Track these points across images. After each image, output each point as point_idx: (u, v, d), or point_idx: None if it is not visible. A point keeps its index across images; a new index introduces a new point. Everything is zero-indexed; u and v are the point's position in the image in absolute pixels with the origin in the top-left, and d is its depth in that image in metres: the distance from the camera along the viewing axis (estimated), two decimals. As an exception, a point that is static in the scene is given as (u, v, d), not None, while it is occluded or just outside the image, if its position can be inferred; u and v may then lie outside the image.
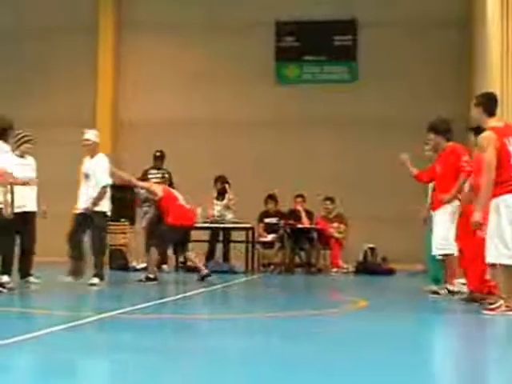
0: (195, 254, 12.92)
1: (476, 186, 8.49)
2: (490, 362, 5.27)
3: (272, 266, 16.17)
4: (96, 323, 6.85)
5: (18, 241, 10.80)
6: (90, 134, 11.67)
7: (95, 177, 11.26)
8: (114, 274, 14.82)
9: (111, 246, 17.51)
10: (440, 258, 9.80)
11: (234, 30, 20.36)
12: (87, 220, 11.13)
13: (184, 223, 12.27)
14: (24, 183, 10.23)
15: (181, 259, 15.12)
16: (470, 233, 8.91)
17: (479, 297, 8.79)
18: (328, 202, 17.01)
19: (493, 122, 7.99)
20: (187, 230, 12.51)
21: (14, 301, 9.19)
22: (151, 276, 12.07)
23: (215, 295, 10.93)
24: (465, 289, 9.42)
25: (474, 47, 18.68)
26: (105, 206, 11.30)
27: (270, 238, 16.45)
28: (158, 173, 15.56)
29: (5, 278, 9.91)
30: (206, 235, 16.33)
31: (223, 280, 12.85)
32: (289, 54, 20.52)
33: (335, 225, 16.75)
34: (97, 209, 11.14)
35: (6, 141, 9.85)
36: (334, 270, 16.17)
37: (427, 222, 10.52)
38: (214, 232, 16.27)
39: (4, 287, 9.53)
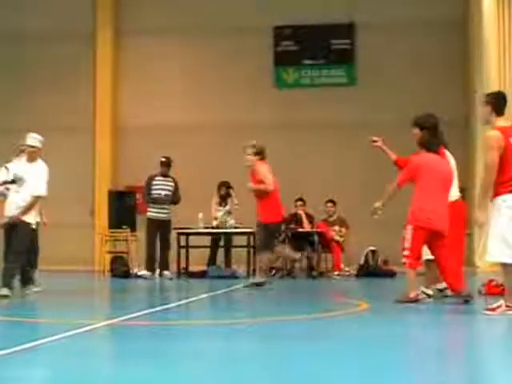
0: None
1: None
2: (490, 362, 5.31)
3: (273, 271, 16.20)
4: (102, 330, 6.89)
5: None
6: (36, 141, 10.37)
7: (31, 183, 10.19)
8: (117, 281, 14.87)
9: (112, 252, 17.59)
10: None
11: (232, 34, 20.40)
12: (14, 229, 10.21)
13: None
14: None
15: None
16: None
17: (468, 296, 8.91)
18: (330, 205, 17.03)
19: (501, 122, 8.00)
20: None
21: (13, 309, 9.21)
22: (260, 281, 12.03)
23: (218, 300, 10.96)
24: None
25: (471, 49, 18.73)
26: (31, 217, 10.34)
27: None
28: (164, 180, 15.59)
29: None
30: (207, 241, 16.36)
31: (224, 285, 12.87)
32: (287, 59, 20.58)
33: (336, 228, 16.77)
34: (24, 218, 10.20)
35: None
36: (336, 273, 16.18)
37: None
38: (216, 237, 16.30)
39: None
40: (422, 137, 9.40)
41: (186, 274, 15.28)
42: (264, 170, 12.36)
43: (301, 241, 16.16)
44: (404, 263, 9.07)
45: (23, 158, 10.52)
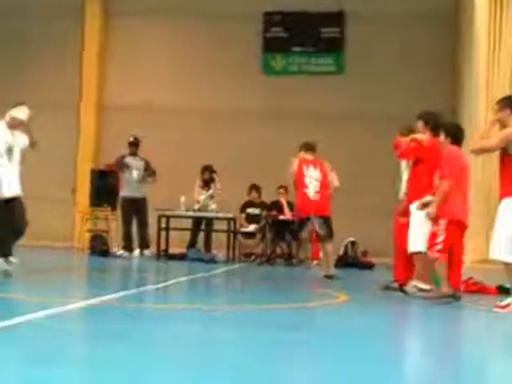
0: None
1: None
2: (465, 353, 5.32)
3: (253, 257, 16.21)
4: (78, 311, 6.86)
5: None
6: (26, 115, 9.93)
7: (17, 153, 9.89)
8: (96, 260, 14.82)
9: (92, 231, 17.54)
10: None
11: (222, 19, 20.30)
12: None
13: None
14: None
15: None
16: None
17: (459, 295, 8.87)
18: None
19: None
20: None
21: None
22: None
23: (195, 285, 10.94)
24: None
25: (461, 41, 18.71)
26: None
27: (251, 228, 16.49)
28: (134, 160, 15.70)
29: None
30: (188, 224, 16.34)
31: (203, 269, 12.86)
32: (276, 45, 20.51)
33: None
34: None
35: None
36: (315, 262, 16.19)
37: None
38: (197, 221, 16.28)
39: None
40: (449, 129, 9.22)
41: (165, 255, 15.26)
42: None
43: (281, 228, 16.15)
44: (437, 258, 8.76)
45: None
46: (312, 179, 12.26)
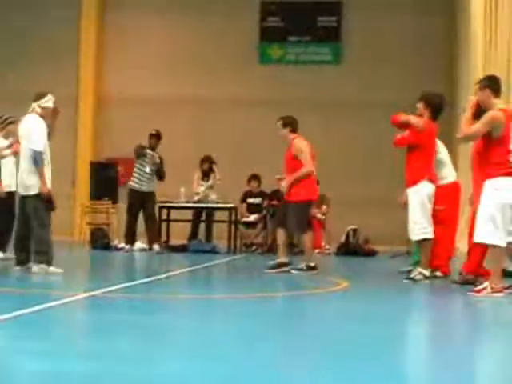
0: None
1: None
2: (465, 344, 5.32)
3: (254, 246, 16.21)
4: (81, 302, 6.86)
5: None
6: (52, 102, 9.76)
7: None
8: (97, 253, 14.82)
9: (93, 224, 17.53)
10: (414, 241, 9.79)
11: (219, 9, 20.31)
12: None
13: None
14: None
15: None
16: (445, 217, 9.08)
17: (472, 279, 8.82)
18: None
19: (500, 104, 8.02)
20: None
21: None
22: (311, 264, 10.74)
23: (197, 275, 10.94)
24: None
25: (458, 32, 18.72)
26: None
27: (252, 218, 16.48)
28: (153, 153, 15.06)
29: None
30: (188, 215, 16.33)
31: (205, 260, 12.86)
32: (273, 35, 20.50)
33: (324, 207, 16.66)
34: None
35: None
36: (316, 250, 16.18)
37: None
38: (197, 212, 16.26)
39: None
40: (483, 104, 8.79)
41: (166, 247, 15.25)
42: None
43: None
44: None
45: None
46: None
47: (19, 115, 10.01)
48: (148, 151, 15.08)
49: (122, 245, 15.17)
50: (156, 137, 15.28)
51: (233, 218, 15.87)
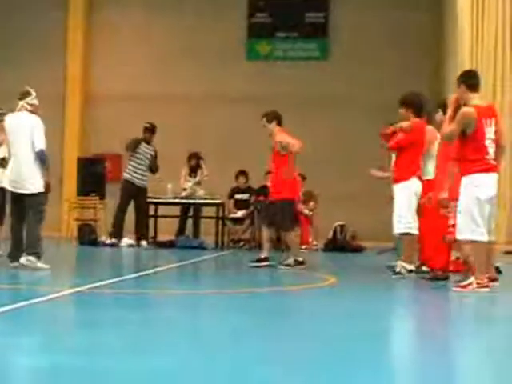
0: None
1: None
2: (450, 337, 5.35)
3: (242, 242, 16.22)
4: (67, 298, 6.86)
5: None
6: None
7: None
8: (85, 249, 14.79)
9: (80, 220, 17.50)
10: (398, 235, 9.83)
11: (206, 5, 20.28)
12: None
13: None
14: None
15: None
16: (428, 210, 9.13)
17: (442, 275, 8.89)
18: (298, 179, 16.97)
19: (476, 100, 8.01)
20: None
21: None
22: (299, 259, 10.75)
23: (185, 271, 10.95)
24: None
25: (444, 28, 18.76)
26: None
27: (240, 214, 16.48)
28: (146, 148, 14.98)
29: None
30: (176, 211, 16.31)
31: (193, 255, 12.87)
32: (261, 31, 20.50)
33: (311, 203, 16.66)
34: None
35: None
36: (303, 246, 16.19)
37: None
38: (185, 208, 16.25)
39: None
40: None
41: (154, 243, 15.22)
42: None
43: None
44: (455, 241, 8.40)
45: None
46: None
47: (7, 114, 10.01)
48: (143, 145, 15.01)
49: (109, 240, 14.95)
50: (150, 130, 15.21)
51: (220, 213, 15.87)
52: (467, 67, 16.09)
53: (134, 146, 14.97)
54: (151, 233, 15.44)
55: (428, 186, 9.51)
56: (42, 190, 9.27)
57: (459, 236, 7.94)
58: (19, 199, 9.39)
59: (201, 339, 4.84)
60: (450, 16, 18.10)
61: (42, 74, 19.95)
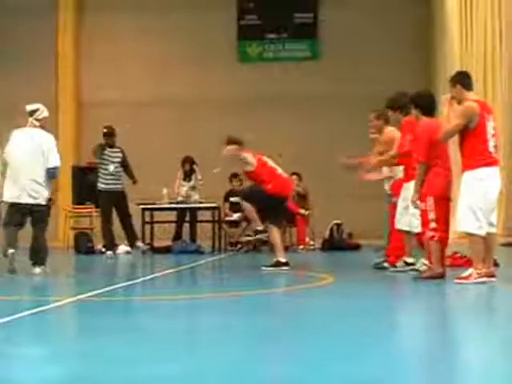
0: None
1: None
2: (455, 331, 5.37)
3: (239, 245, 16.22)
4: (69, 306, 6.86)
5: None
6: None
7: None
8: (81, 258, 14.78)
9: (76, 229, 17.48)
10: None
11: (196, 8, 20.28)
12: None
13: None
14: None
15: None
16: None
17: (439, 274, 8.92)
18: (294, 177, 16.95)
19: (473, 96, 8.12)
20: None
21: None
22: (282, 260, 10.72)
23: (183, 275, 10.95)
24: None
25: (434, 26, 18.80)
26: None
27: (235, 216, 16.47)
28: (112, 152, 14.59)
29: None
30: (172, 216, 16.31)
31: (191, 260, 12.87)
32: (250, 32, 20.52)
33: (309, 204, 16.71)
34: None
35: None
36: (301, 247, 16.23)
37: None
38: (181, 212, 16.25)
39: None
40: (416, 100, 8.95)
41: (150, 249, 15.19)
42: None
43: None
44: (432, 237, 8.42)
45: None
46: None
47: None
48: (107, 150, 14.61)
49: (109, 252, 14.71)
50: (109, 134, 14.75)
51: (216, 217, 15.88)
52: (457, 65, 16.15)
53: (99, 152, 14.58)
54: (147, 239, 15.42)
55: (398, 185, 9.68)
56: (46, 201, 9.94)
57: (458, 228, 8.04)
58: (27, 209, 9.88)
59: (201, 345, 4.85)
60: (439, 14, 18.14)
61: (34, 81, 19.96)
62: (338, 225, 16.57)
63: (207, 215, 15.97)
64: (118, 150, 14.80)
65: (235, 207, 16.57)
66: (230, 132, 19.50)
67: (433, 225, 8.41)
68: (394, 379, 3.75)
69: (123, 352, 4.49)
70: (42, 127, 10.19)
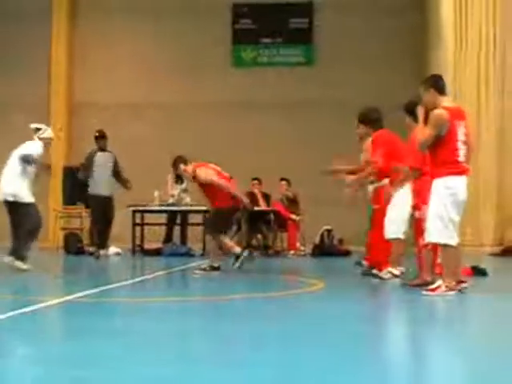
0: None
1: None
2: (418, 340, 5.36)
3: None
4: (57, 307, 6.82)
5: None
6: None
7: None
8: (71, 258, 14.73)
9: (66, 229, 17.43)
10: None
11: (190, 12, 20.27)
12: None
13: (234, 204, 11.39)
14: None
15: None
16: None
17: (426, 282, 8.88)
18: (283, 183, 16.96)
19: (446, 102, 7.99)
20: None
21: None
22: (215, 265, 11.00)
23: (174, 278, 10.92)
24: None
25: (428, 32, 18.82)
26: None
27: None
28: (103, 156, 14.57)
29: None
30: (163, 218, 16.28)
31: (181, 263, 12.84)
32: (245, 37, 20.51)
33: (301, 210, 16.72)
34: None
35: None
36: (291, 252, 16.22)
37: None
38: (171, 215, 16.22)
39: None
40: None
41: (140, 251, 15.16)
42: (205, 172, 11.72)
43: (256, 220, 16.16)
44: (426, 245, 8.33)
45: None
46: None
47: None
48: (98, 154, 14.61)
49: (95, 249, 14.65)
50: (100, 137, 14.76)
51: (207, 220, 15.84)
52: (451, 71, 16.17)
53: (87, 165, 14.61)
54: (137, 241, 15.39)
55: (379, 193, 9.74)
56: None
57: (428, 239, 7.90)
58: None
59: (189, 347, 4.82)
60: (433, 20, 18.16)
61: (26, 82, 19.92)
62: (329, 231, 16.56)
63: (198, 218, 15.94)
64: (110, 154, 14.77)
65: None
66: (222, 136, 19.66)
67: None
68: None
69: (110, 354, 4.46)
70: (45, 146, 11.22)
